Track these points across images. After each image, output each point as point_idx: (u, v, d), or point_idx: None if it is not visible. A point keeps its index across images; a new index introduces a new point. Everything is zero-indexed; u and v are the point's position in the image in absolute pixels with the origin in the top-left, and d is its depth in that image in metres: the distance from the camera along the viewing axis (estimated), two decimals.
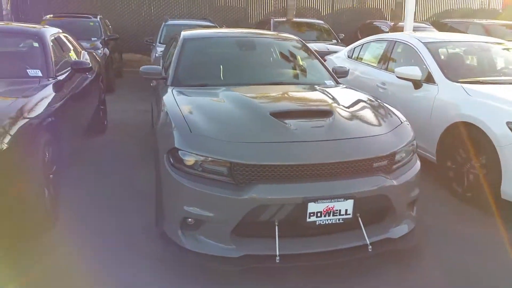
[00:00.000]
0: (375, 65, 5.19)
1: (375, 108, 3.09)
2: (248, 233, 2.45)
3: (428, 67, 4.21)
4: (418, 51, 4.45)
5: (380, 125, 2.81)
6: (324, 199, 2.37)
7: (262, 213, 2.36)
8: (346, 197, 2.41)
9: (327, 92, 3.39)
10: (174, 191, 2.52)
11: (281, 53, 4.19)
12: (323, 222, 2.42)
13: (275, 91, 3.45)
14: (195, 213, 2.43)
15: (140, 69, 3.67)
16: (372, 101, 3.28)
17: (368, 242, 2.48)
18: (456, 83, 3.90)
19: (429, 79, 4.15)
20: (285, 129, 2.58)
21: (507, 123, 3.18)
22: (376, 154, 2.53)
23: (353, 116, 2.83)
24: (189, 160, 2.47)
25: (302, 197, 2.34)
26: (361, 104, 3.14)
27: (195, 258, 2.47)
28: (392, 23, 11.34)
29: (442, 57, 4.38)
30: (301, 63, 4.07)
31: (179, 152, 2.51)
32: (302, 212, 2.37)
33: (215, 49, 4.06)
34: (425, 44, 4.46)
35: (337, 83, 3.82)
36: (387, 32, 9.97)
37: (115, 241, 2.85)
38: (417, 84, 4.22)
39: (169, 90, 3.36)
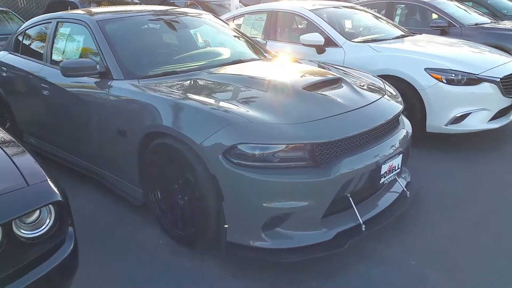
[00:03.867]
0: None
1: (348, 72, 3.31)
2: (328, 212, 2.37)
3: (327, 33, 4.65)
4: (309, 18, 4.85)
5: (375, 86, 3.05)
6: (388, 159, 2.50)
7: (347, 188, 2.32)
8: (399, 152, 2.60)
9: (304, 62, 3.44)
10: (249, 191, 2.18)
11: (213, 31, 3.88)
12: (387, 180, 2.56)
13: (262, 68, 3.25)
14: (283, 208, 2.20)
15: (63, 64, 2.81)
16: (334, 66, 3.50)
17: (406, 190, 2.77)
18: (361, 43, 4.49)
19: (330, 43, 4.62)
20: (330, 101, 2.53)
21: (425, 69, 3.93)
22: (399, 109, 2.77)
23: (355, 81, 2.98)
24: (259, 153, 2.17)
25: (375, 162, 2.41)
26: (337, 69, 3.31)
27: (288, 255, 2.25)
28: None
29: (333, 21, 4.89)
30: (236, 39, 3.87)
31: (243, 146, 2.17)
32: (376, 175, 2.44)
33: (144, 32, 3.43)
34: (312, 11, 4.90)
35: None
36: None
37: None
38: (320, 49, 4.63)
39: (134, 85, 2.73)
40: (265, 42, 4.30)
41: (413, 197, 2.82)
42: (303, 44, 4.66)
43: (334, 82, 2.83)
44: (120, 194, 3.00)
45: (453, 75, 3.89)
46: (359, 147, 2.41)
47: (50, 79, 3.33)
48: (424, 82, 3.92)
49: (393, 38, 4.81)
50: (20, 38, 4.00)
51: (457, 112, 3.87)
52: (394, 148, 2.57)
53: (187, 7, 9.25)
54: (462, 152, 3.98)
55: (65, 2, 8.43)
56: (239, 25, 5.74)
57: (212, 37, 3.97)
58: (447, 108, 3.88)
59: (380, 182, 2.48)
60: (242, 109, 2.33)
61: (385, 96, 2.82)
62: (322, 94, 2.58)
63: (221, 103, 2.40)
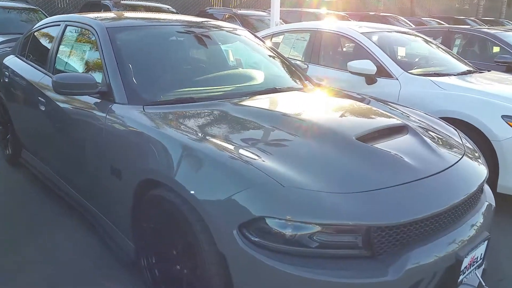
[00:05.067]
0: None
1: (409, 113, 2.61)
2: None
3: (380, 60, 3.97)
4: (360, 42, 4.18)
5: (449, 136, 2.34)
6: (472, 249, 1.78)
7: None
8: (485, 239, 1.87)
9: (359, 97, 2.76)
10: (268, 286, 1.52)
11: (247, 49, 3.27)
12: (466, 278, 1.84)
13: (301, 102, 2.59)
14: None
15: (56, 79, 2.25)
16: (398, 105, 2.79)
17: (483, 283, 2.02)
18: (421, 76, 3.78)
19: (383, 72, 3.92)
20: (395, 161, 1.83)
21: (503, 116, 3.17)
22: (485, 174, 2.05)
23: (424, 130, 2.28)
24: (291, 233, 1.51)
25: (454, 254, 1.70)
26: (401, 110, 2.61)
27: None
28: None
29: (385, 47, 4.20)
30: (272, 60, 3.25)
31: (270, 221, 1.51)
32: (454, 273, 1.72)
33: (165, 46, 2.84)
34: (364, 34, 4.22)
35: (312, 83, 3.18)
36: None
37: None
38: (371, 80, 3.94)
39: (139, 113, 2.13)
40: (306, 66, 3.66)
41: None
42: (350, 72, 3.98)
43: (398, 131, 2.14)
44: (109, 242, 2.40)
45: None
46: (433, 231, 1.71)
47: (48, 92, 2.79)
48: (500, 132, 3.15)
49: (458, 74, 4.06)
50: (28, 40, 3.51)
51: None
52: (477, 231, 1.85)
53: (225, 20, 8.78)
54: None
55: (98, 5, 8.13)
56: (277, 44, 5.14)
57: (245, 56, 3.37)
58: None
59: (458, 281, 1.76)
60: (271, 164, 1.67)
61: (466, 155, 2.10)
62: (383, 150, 1.89)
63: (244, 152, 1.76)
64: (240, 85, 2.68)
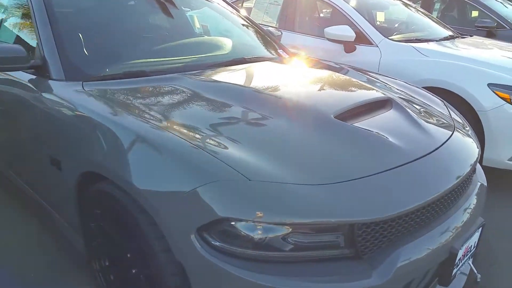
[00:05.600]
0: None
1: (404, 86, 2.36)
2: None
3: (359, 26, 3.67)
4: (337, 6, 3.86)
5: (436, 110, 2.10)
6: (467, 239, 1.57)
7: None
8: (480, 225, 1.67)
9: (337, 67, 2.47)
10: None
11: (215, 16, 2.91)
12: (460, 271, 1.64)
13: (273, 74, 2.28)
14: None
15: None
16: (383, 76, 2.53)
17: (475, 271, 1.84)
18: (402, 43, 3.51)
19: (362, 39, 3.64)
20: (379, 142, 1.57)
21: (489, 85, 2.96)
22: (477, 152, 1.82)
23: (409, 104, 2.02)
24: (260, 236, 1.25)
25: (448, 246, 1.48)
26: (377, 81, 2.34)
27: None
28: None
29: (364, 12, 3.89)
30: (243, 28, 2.91)
31: (234, 223, 1.25)
32: (448, 267, 1.51)
33: (109, 8, 2.44)
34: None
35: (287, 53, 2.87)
36: None
37: None
38: (350, 47, 3.65)
39: (77, 92, 1.79)
40: (280, 33, 3.34)
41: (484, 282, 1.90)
42: (327, 39, 3.68)
43: (381, 106, 1.88)
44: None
45: None
46: (425, 222, 1.48)
47: None
48: (486, 102, 2.95)
49: (440, 39, 3.81)
50: None
51: None
52: (471, 217, 1.64)
53: None
54: None
55: None
56: (249, 10, 4.77)
57: (212, 23, 3.02)
58: None
59: (452, 274, 1.55)
60: (236, 153, 1.39)
61: (457, 131, 1.87)
62: (366, 129, 1.62)
63: (204, 139, 1.47)
64: (203, 55, 2.35)
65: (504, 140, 2.94)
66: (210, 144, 1.41)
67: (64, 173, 1.75)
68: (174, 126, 1.51)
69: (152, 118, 1.57)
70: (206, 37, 2.79)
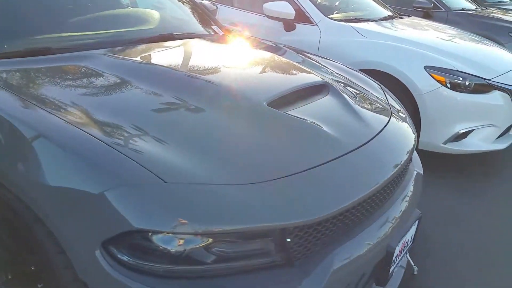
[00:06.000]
0: None
1: (341, 69, 2.24)
2: None
3: (298, 3, 3.51)
4: None
5: (372, 95, 2.01)
6: (404, 234, 1.50)
7: None
8: (417, 218, 1.61)
9: (274, 47, 2.29)
10: None
11: None
12: (397, 268, 1.57)
13: (203, 54, 2.05)
14: None
15: None
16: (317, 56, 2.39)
17: (412, 263, 1.81)
18: (342, 23, 3.40)
19: (302, 18, 3.49)
20: (313, 132, 1.44)
21: (426, 67, 2.95)
22: (413, 140, 1.75)
23: (346, 88, 1.91)
24: (178, 248, 1.08)
25: (385, 245, 1.40)
26: (313, 62, 2.21)
27: None
28: None
29: None
30: (171, 0, 2.63)
31: (147, 235, 1.06)
32: (385, 265, 1.44)
33: None
34: None
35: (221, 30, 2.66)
36: None
37: None
38: (289, 25, 3.49)
39: None
40: (215, 7, 3.10)
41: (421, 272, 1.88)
42: (266, 16, 3.50)
43: (317, 91, 1.74)
44: None
45: (461, 78, 2.94)
46: (359, 220, 1.38)
47: None
48: (422, 85, 2.94)
49: (379, 19, 3.76)
50: None
51: (461, 128, 2.95)
52: (407, 209, 1.57)
53: None
54: (463, 179, 3.09)
55: None
56: None
57: None
58: (448, 121, 2.95)
59: (389, 273, 1.48)
60: (151, 148, 1.19)
61: (393, 117, 1.79)
62: (299, 118, 1.47)
63: (115, 133, 1.25)
64: (124, 29, 2.08)
65: (439, 124, 2.96)
66: (122, 142, 1.20)
67: None
68: (81, 119, 1.27)
69: (54, 107, 1.32)
70: (129, 8, 2.49)
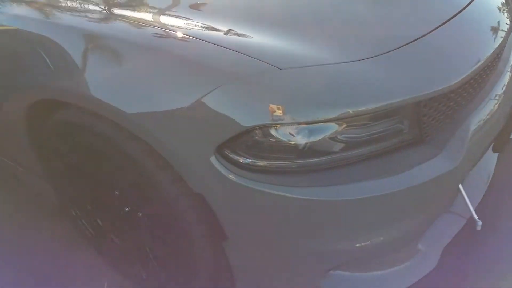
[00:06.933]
0: None
1: None
2: None
3: None
4: None
5: None
6: None
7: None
8: None
9: None
10: (283, 222, 0.96)
11: None
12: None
13: None
14: (360, 247, 1.01)
15: None
16: None
17: None
18: None
19: None
20: None
21: None
22: None
23: None
24: (303, 139, 0.92)
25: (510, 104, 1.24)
26: None
27: None
28: None
29: None
30: None
31: (267, 131, 0.90)
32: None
33: None
34: None
35: None
36: None
37: None
38: None
39: None
40: None
41: None
42: None
43: None
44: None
45: None
46: (480, 87, 1.19)
47: None
48: None
49: None
50: None
51: None
52: None
53: None
54: None
55: None
56: None
57: None
58: None
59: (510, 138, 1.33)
60: (247, 36, 0.99)
61: None
62: None
63: (204, 24, 1.04)
64: None
65: None
66: (210, 31, 1.00)
67: (6, 108, 1.28)
68: (151, 18, 1.07)
69: (109, 10, 1.10)
70: None
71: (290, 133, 0.91)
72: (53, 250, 1.58)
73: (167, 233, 1.14)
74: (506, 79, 1.28)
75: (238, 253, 1.06)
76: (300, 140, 0.92)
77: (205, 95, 0.90)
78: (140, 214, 1.23)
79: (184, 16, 1.11)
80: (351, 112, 0.90)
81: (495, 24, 1.22)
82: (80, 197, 1.41)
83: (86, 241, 1.50)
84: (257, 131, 0.90)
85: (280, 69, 0.90)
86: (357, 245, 1.00)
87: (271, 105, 0.88)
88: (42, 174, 1.46)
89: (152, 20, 1.09)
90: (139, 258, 1.31)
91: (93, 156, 1.20)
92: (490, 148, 1.33)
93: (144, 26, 1.05)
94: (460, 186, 1.08)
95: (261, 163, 0.93)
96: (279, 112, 0.88)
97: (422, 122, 1.01)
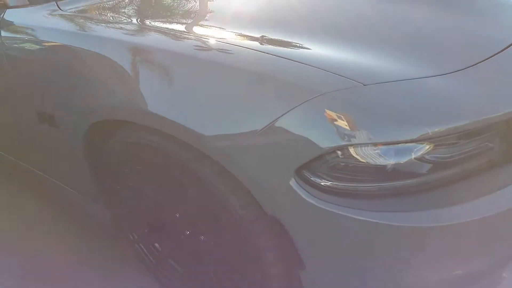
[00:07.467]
0: None
1: None
2: None
3: None
4: None
5: None
6: None
7: None
8: None
9: None
10: (379, 252, 0.90)
11: None
12: None
13: None
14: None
15: None
16: None
17: None
18: None
19: None
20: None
21: None
22: None
23: None
24: (390, 161, 0.86)
25: None
26: None
27: None
28: None
29: None
30: None
31: (351, 150, 0.85)
32: None
33: None
34: None
35: None
36: None
37: None
38: None
39: (52, 16, 1.26)
40: None
41: None
42: None
43: None
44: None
45: None
46: None
47: None
48: None
49: None
50: None
51: None
52: None
53: None
54: None
55: None
56: None
57: None
58: None
59: None
60: (325, 51, 0.95)
61: None
62: None
63: (267, 40, 1.01)
64: None
65: None
66: (282, 46, 0.97)
67: (64, 130, 1.28)
68: (220, 33, 1.05)
69: (180, 28, 1.09)
70: None
71: (374, 153, 0.86)
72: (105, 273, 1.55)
73: (236, 259, 1.09)
74: None
75: (317, 285, 0.99)
76: (385, 161, 0.86)
77: (285, 113, 0.85)
78: (202, 237, 1.19)
79: (251, 31, 1.08)
80: (441, 130, 0.84)
81: None
82: (137, 220, 1.38)
83: (144, 267, 1.46)
84: (339, 152, 0.85)
85: (364, 85, 0.85)
86: (445, 275, 0.92)
87: (355, 124, 0.83)
88: (96, 196, 1.45)
89: (222, 36, 1.06)
90: (202, 284, 1.26)
91: (153, 177, 1.18)
92: None
93: (214, 42, 1.03)
94: None
95: (343, 185, 0.88)
96: (363, 132, 0.83)
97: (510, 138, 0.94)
